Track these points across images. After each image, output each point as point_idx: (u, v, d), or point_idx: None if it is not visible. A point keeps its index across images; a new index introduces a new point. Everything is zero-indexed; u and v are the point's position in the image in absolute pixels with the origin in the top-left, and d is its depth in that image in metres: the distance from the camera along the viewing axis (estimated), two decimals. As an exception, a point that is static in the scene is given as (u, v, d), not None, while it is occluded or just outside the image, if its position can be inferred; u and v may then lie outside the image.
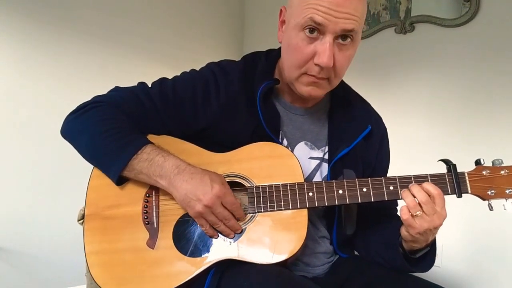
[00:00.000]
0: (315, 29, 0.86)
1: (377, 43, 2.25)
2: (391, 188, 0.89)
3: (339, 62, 0.89)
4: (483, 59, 1.88)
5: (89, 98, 0.99)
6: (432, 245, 0.93)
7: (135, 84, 1.02)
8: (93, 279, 0.87)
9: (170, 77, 1.03)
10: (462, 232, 1.89)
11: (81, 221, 0.94)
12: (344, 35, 0.87)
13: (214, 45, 2.84)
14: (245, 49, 3.02)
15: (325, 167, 1.01)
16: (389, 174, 1.08)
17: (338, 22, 0.84)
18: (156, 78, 1.03)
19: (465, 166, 0.92)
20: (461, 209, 1.74)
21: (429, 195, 0.85)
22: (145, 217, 0.91)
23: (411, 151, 2.03)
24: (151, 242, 0.89)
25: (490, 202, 0.88)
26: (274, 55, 1.03)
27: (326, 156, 1.01)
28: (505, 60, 1.82)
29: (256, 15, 3.01)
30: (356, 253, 1.10)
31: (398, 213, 0.89)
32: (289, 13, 0.92)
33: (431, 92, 2.06)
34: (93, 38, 2.21)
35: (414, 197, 0.85)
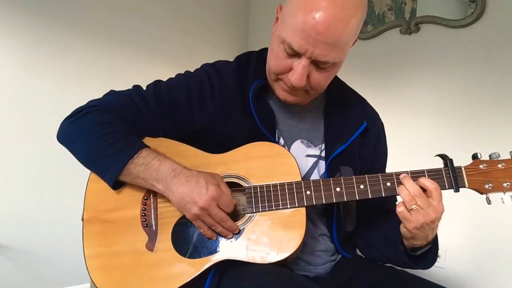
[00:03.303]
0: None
1: (382, 44, 2.23)
2: (388, 184, 0.89)
3: (315, 81, 0.89)
4: (488, 60, 1.85)
5: (95, 97, 1.00)
6: (434, 242, 0.92)
7: (136, 83, 1.03)
8: (93, 283, 0.87)
9: (173, 76, 1.04)
10: (466, 233, 1.86)
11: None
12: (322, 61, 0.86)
13: (219, 44, 2.83)
14: (250, 48, 2.98)
15: (322, 164, 1.00)
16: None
17: (314, 51, 0.83)
18: (161, 77, 1.04)
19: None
20: (466, 211, 1.72)
21: (426, 190, 0.85)
22: (144, 220, 0.91)
23: (416, 152, 2.00)
24: (150, 245, 0.89)
25: (488, 196, 0.87)
26: (266, 54, 1.03)
27: (323, 154, 1.01)
28: (511, 60, 1.79)
29: (261, 13, 2.99)
30: (359, 253, 1.10)
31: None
32: (281, 19, 0.91)
33: (436, 93, 2.03)
34: (99, 37, 2.21)
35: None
